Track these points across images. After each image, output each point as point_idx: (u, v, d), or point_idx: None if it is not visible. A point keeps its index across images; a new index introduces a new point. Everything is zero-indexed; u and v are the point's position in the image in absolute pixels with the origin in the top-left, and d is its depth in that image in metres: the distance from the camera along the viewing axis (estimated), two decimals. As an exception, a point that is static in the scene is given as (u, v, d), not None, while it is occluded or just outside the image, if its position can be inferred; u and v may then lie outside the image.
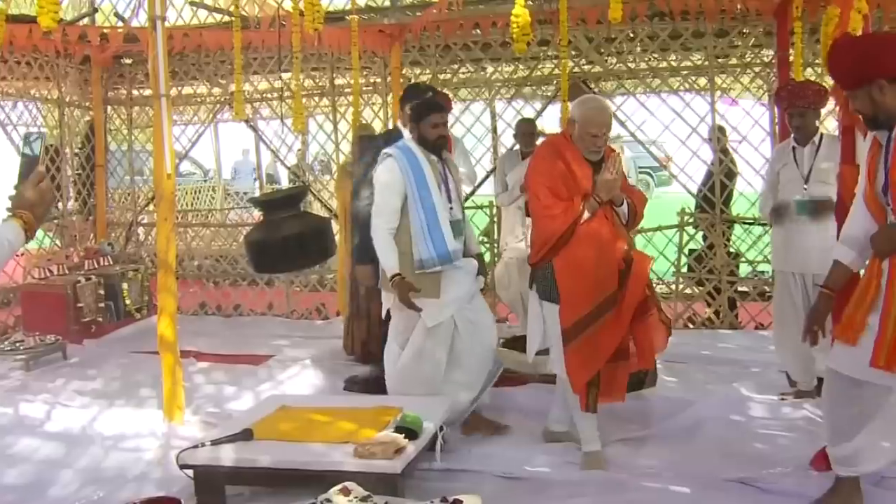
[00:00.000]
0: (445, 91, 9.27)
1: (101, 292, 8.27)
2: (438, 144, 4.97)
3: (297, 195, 6.67)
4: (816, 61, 7.85)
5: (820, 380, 5.22)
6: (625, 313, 4.40)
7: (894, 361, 3.39)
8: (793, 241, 5.36)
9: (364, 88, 9.66)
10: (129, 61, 10.24)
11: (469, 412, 5.05)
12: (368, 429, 4.25)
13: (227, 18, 8.56)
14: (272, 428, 4.40)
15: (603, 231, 4.48)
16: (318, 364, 6.89)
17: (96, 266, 8.72)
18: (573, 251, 4.47)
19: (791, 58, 6.14)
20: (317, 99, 10.58)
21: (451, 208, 4.94)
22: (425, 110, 4.97)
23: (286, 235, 5.90)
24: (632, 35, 8.46)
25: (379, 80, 9.51)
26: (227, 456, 4.11)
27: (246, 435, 4.23)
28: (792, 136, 5.46)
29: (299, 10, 6.29)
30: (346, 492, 3.55)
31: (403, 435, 4.07)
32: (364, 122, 8.62)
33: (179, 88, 10.42)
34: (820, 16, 5.09)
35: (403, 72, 9.15)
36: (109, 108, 10.60)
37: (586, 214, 4.46)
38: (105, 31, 8.82)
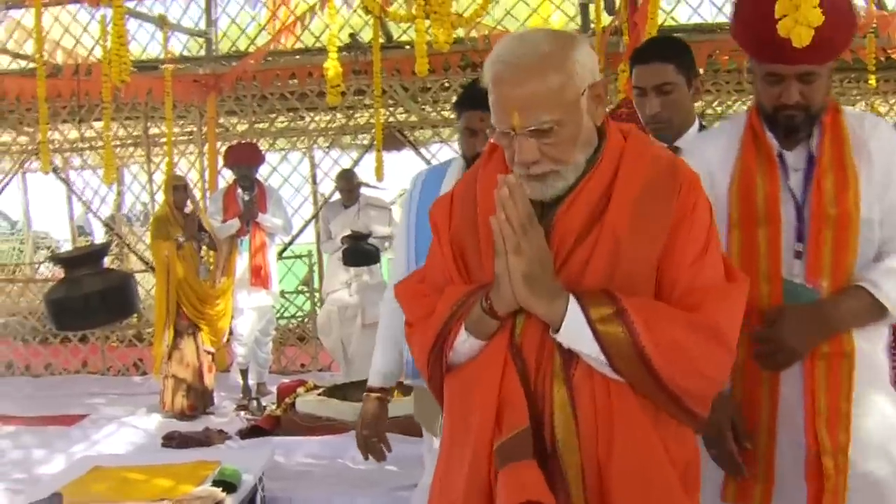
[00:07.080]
0: (262, 141, 9.31)
1: None
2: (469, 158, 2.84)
3: (98, 252, 6.47)
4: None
5: None
6: None
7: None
8: None
9: (179, 138, 9.55)
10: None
11: None
12: (186, 484, 4.17)
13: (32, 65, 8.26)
14: (83, 490, 4.24)
15: (483, 393, 1.74)
16: (135, 421, 6.67)
17: None
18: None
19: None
20: (131, 149, 10.34)
21: None
22: (464, 103, 2.93)
23: (87, 293, 5.71)
24: (446, 85, 8.74)
25: (195, 129, 9.37)
26: (35, 523, 3.94)
27: (55, 500, 4.06)
28: None
29: (108, 59, 6.16)
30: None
31: (221, 488, 4.03)
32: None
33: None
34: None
35: (220, 121, 9.09)
36: None
37: (463, 340, 1.78)
38: None
